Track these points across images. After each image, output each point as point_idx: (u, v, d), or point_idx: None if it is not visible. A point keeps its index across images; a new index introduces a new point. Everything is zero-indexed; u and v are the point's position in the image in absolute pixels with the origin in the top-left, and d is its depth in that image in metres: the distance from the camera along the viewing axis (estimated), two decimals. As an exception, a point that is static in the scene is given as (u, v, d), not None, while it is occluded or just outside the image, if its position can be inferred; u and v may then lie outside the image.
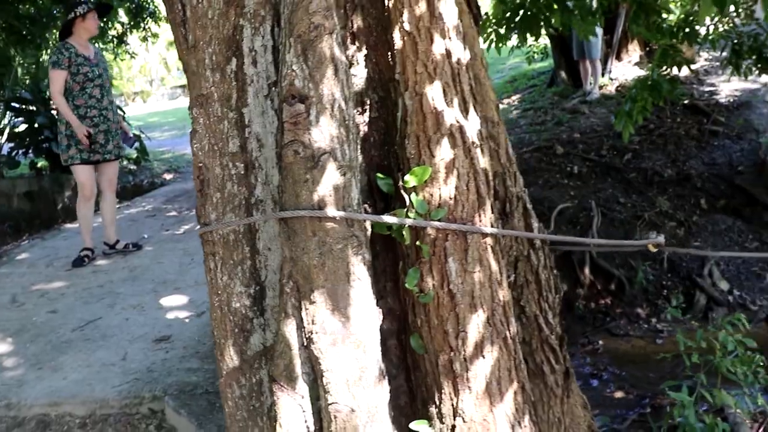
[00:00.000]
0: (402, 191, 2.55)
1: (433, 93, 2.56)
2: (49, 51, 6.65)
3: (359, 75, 2.82)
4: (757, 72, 6.82)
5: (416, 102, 2.56)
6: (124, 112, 10.67)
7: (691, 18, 6.82)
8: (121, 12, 13.71)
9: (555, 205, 8.95)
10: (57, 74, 6.36)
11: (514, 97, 13.01)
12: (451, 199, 2.53)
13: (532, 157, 9.76)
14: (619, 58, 11.85)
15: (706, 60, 10.49)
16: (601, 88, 10.84)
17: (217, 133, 2.68)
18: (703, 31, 7.02)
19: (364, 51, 2.80)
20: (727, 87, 9.79)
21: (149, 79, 45.40)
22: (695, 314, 6.82)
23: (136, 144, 11.45)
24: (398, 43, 2.62)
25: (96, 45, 14.50)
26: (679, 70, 6.92)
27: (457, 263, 2.50)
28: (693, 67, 6.63)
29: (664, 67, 6.62)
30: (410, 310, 2.62)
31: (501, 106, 12.32)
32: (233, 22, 2.68)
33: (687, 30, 6.67)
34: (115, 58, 15.24)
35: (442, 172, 2.54)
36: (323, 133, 2.38)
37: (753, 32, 6.70)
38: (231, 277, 2.71)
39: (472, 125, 2.63)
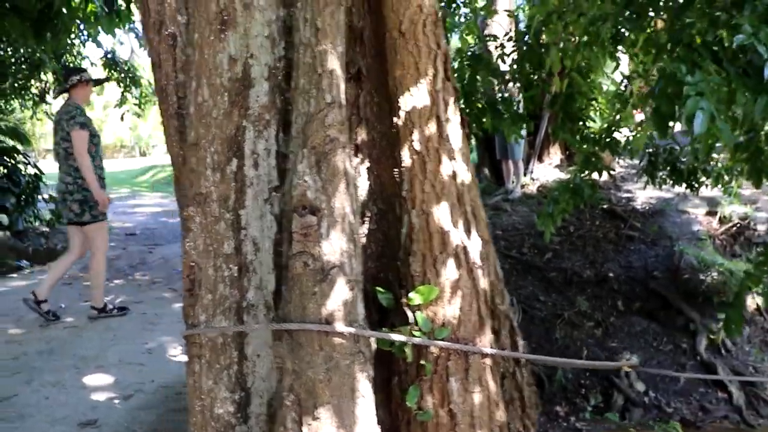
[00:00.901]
0: (405, 308, 2.51)
1: (440, 213, 2.56)
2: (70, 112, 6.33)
3: (361, 186, 2.80)
4: (670, 183, 7.23)
5: (423, 220, 2.56)
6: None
7: (612, 128, 7.21)
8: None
9: (476, 296, 9.00)
10: (85, 135, 6.13)
11: None
12: (454, 318, 2.51)
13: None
14: (540, 159, 12.21)
15: (623, 167, 11.04)
16: (522, 187, 11.21)
17: (213, 233, 2.56)
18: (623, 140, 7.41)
19: (367, 163, 2.79)
20: (643, 194, 10.32)
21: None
22: (612, 414, 6.96)
23: (51, 206, 10.94)
24: (407, 160, 2.62)
25: (15, 102, 13.94)
26: (600, 176, 7.24)
27: (459, 383, 2.46)
28: (611, 173, 6.95)
29: (586, 172, 6.93)
30: (404, 426, 2.54)
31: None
32: (236, 123, 2.60)
33: (608, 139, 7.04)
34: (32, 116, 14.63)
35: (447, 291, 2.52)
36: (333, 246, 2.32)
37: (668, 146, 7.13)
38: (216, 382, 2.55)
39: (474, 245, 2.65)
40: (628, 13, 5.61)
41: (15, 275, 9.40)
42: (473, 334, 2.55)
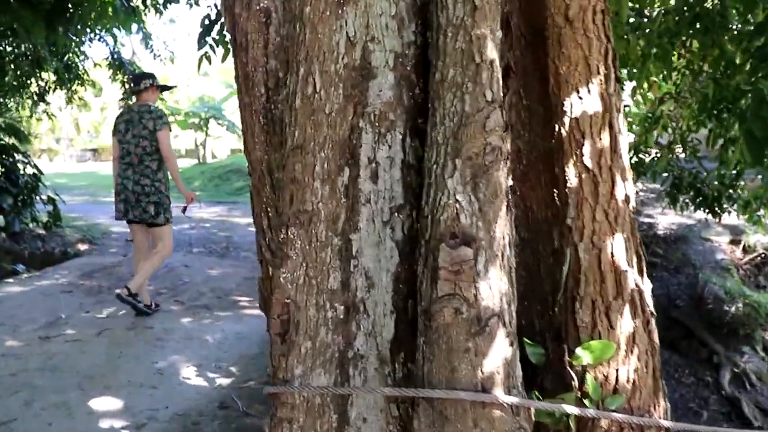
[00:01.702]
0: (568, 368, 1.90)
1: (616, 248, 1.96)
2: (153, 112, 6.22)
3: (502, 209, 2.18)
4: (692, 207, 6.72)
5: (594, 256, 1.95)
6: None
7: (639, 148, 6.66)
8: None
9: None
10: (169, 134, 6.21)
11: None
12: (628, 382, 1.90)
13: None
14: None
15: (642, 191, 10.57)
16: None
17: (318, 263, 1.94)
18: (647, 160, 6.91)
19: (510, 180, 2.17)
20: (664, 220, 9.82)
21: (57, 137, 42.64)
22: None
23: (49, 207, 10.22)
24: (572, 179, 2.01)
25: (12, 100, 13.22)
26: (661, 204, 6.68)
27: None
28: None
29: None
30: None
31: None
32: (351, 123, 1.99)
33: (635, 161, 6.50)
34: (31, 116, 13.87)
35: (622, 348, 1.92)
36: (492, 288, 1.71)
37: (694, 169, 6.63)
38: (311, 455, 1.92)
39: (647, 288, 2.05)
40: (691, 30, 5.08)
41: (11, 280, 8.64)
42: (648, 402, 1.94)
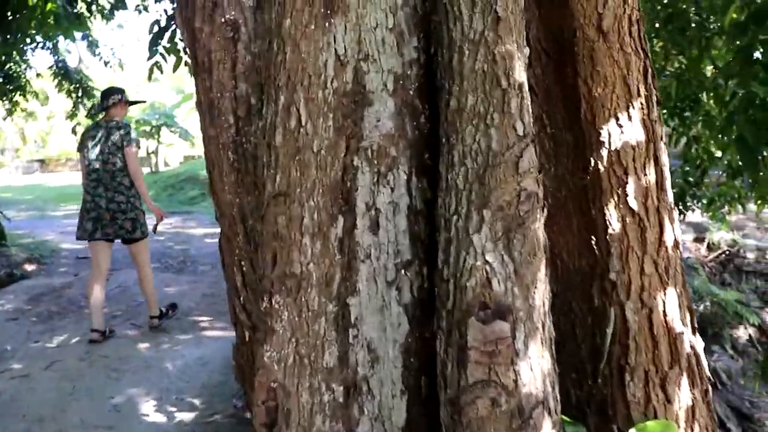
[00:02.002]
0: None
1: (668, 306, 1.61)
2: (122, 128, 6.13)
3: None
4: None
5: (643, 318, 1.59)
6: None
7: None
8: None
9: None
10: (137, 152, 6.04)
11: None
12: (691, 469, 1.56)
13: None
14: None
15: None
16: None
17: (310, 336, 1.54)
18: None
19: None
20: None
21: (1, 148, 40.75)
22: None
23: None
24: (615, 225, 1.64)
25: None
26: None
27: None
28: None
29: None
30: None
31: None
32: (343, 161, 1.60)
33: None
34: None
35: (681, 424, 1.57)
36: (534, 370, 1.34)
37: None
38: None
39: (701, 349, 1.70)
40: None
41: (-50, 306, 7.96)
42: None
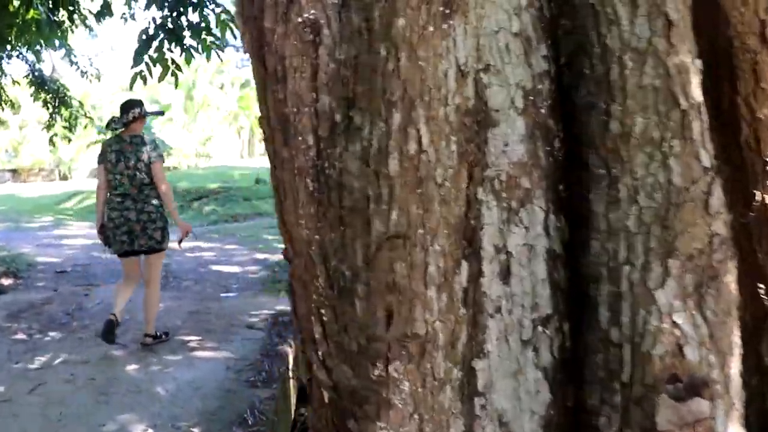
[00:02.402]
0: None
1: None
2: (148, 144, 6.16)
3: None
4: None
5: None
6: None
7: None
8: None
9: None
10: (162, 166, 6.02)
11: None
12: None
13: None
14: None
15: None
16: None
17: (436, 411, 1.20)
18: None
19: None
20: None
21: (-31, 157, 39.27)
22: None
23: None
24: None
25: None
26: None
27: None
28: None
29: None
30: None
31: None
32: (465, 194, 1.27)
33: None
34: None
35: None
36: (741, 462, 1.03)
37: None
38: None
39: None
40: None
41: None
42: None
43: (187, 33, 7.18)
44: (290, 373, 6.58)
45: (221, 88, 26.01)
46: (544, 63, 1.34)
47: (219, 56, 7.52)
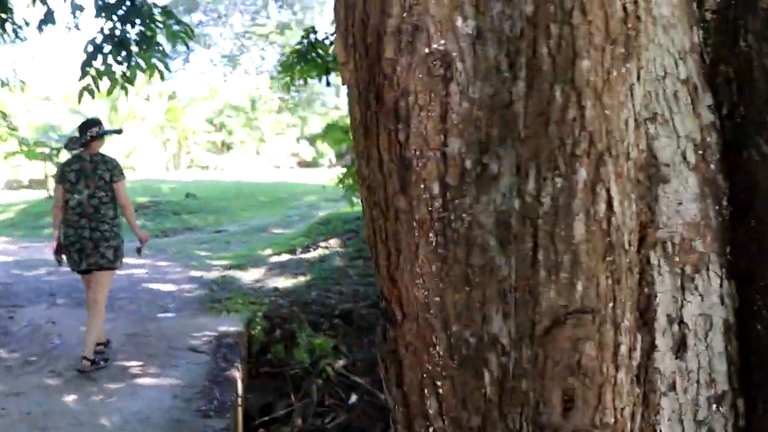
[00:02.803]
0: None
1: None
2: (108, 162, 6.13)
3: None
4: None
5: None
6: None
7: None
8: None
9: (401, 368, 7.59)
10: (125, 183, 5.96)
11: (332, 241, 11.59)
12: None
13: (371, 313, 8.41)
14: None
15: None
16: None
17: None
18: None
19: None
20: None
21: None
22: None
23: None
24: None
25: None
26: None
27: None
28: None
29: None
30: None
31: (319, 251, 10.91)
32: (638, 258, 1.08)
33: None
34: None
35: None
36: None
37: None
38: None
39: None
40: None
41: None
42: None
43: (135, 47, 6.71)
44: (239, 401, 6.19)
45: (147, 99, 24.94)
46: (710, 114, 1.18)
47: (162, 75, 7.06)
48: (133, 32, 6.71)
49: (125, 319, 7.74)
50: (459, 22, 1.21)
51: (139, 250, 6.46)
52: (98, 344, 6.14)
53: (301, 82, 6.52)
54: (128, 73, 6.65)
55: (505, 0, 1.19)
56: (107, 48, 6.59)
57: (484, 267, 1.20)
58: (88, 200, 5.84)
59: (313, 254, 10.91)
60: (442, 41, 1.21)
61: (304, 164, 32.96)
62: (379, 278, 1.34)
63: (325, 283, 9.36)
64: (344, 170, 10.38)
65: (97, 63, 6.69)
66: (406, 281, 1.26)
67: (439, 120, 1.21)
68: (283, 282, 9.54)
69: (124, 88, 6.76)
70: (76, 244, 5.85)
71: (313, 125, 36.22)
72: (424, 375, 1.26)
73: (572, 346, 1.03)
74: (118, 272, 6.23)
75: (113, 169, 5.88)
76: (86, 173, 5.82)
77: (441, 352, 1.23)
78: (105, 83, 6.82)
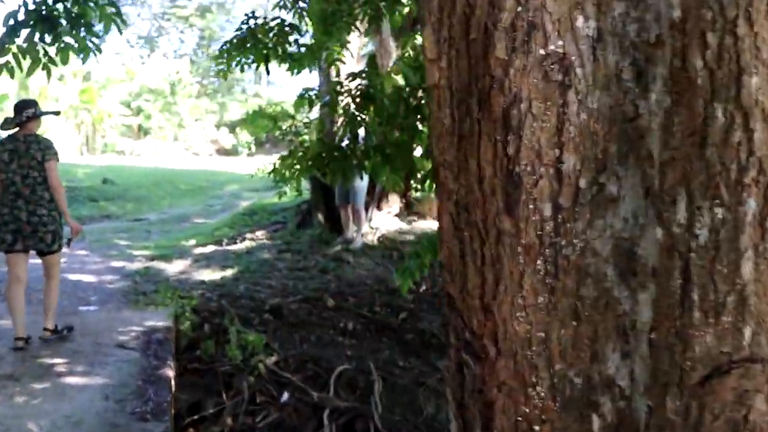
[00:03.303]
0: None
1: None
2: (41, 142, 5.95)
3: None
4: None
5: None
6: None
7: None
8: None
9: (333, 366, 7.44)
10: (56, 164, 5.80)
11: (258, 233, 11.13)
12: None
13: (301, 309, 8.11)
14: (379, 207, 10.27)
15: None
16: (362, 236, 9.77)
17: None
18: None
19: None
20: None
21: None
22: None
23: None
24: None
25: None
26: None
27: None
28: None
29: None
30: None
31: (246, 242, 10.47)
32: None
33: None
34: None
35: None
36: None
37: None
38: None
39: None
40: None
41: None
42: None
43: (65, 24, 6.11)
44: (172, 401, 5.79)
45: (61, 79, 23.22)
46: None
47: (95, 57, 6.51)
48: (61, 8, 6.11)
49: (37, 314, 7.07)
50: (579, 21, 1.03)
51: (69, 241, 6.16)
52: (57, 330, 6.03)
53: (223, 67, 6.18)
54: (57, 55, 6.06)
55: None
56: (31, 24, 5.95)
57: (597, 300, 1.03)
58: (22, 180, 5.71)
59: (240, 246, 10.46)
60: (560, 42, 1.02)
61: (222, 152, 31.89)
62: (465, 308, 1.14)
63: (254, 277, 8.97)
64: (270, 159, 10.07)
65: (20, 40, 6.05)
66: (505, 313, 1.07)
67: (555, 132, 1.02)
68: (210, 275, 9.08)
69: (46, 68, 6.18)
70: (11, 224, 5.69)
71: (232, 112, 35.18)
72: (520, 418, 1.08)
73: (738, 399, 0.88)
74: (32, 261, 5.97)
75: (45, 150, 5.72)
76: (20, 153, 5.69)
77: (542, 393, 1.06)
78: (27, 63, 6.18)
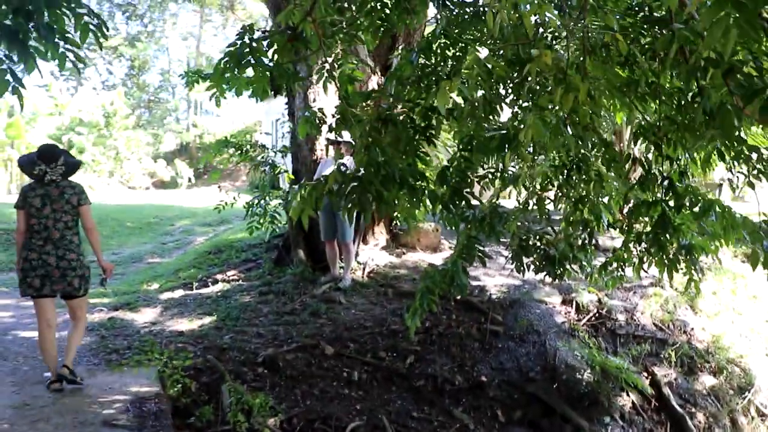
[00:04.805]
0: None
1: None
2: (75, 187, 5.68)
3: None
4: (533, 270, 5.64)
5: None
6: None
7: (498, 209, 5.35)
8: None
9: (343, 423, 6.44)
10: (90, 208, 5.74)
11: (230, 273, 9.79)
12: None
13: (298, 359, 6.94)
14: (365, 241, 9.27)
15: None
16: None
17: None
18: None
19: None
20: (491, 281, 8.68)
21: None
22: None
23: None
24: None
25: None
26: (472, 263, 5.31)
27: None
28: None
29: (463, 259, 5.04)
30: None
31: (219, 285, 9.25)
32: None
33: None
34: None
35: None
36: None
37: (542, 230, 5.67)
38: None
39: None
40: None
41: None
42: None
43: (33, 40, 4.89)
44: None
45: (-17, 114, 20.87)
46: None
47: (77, 67, 5.33)
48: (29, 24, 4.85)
49: (4, 385, 5.64)
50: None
51: (103, 282, 5.98)
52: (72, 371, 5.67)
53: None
54: (25, 71, 4.81)
55: None
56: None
57: None
58: (54, 225, 5.57)
59: (213, 289, 9.20)
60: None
61: (159, 184, 29.94)
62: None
63: (238, 324, 7.78)
64: (210, 190, 8.96)
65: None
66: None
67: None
68: (187, 324, 7.82)
69: (17, 91, 4.90)
70: (40, 269, 5.52)
71: (168, 143, 33.28)
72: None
73: None
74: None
75: (80, 194, 5.68)
76: (53, 198, 5.56)
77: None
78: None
